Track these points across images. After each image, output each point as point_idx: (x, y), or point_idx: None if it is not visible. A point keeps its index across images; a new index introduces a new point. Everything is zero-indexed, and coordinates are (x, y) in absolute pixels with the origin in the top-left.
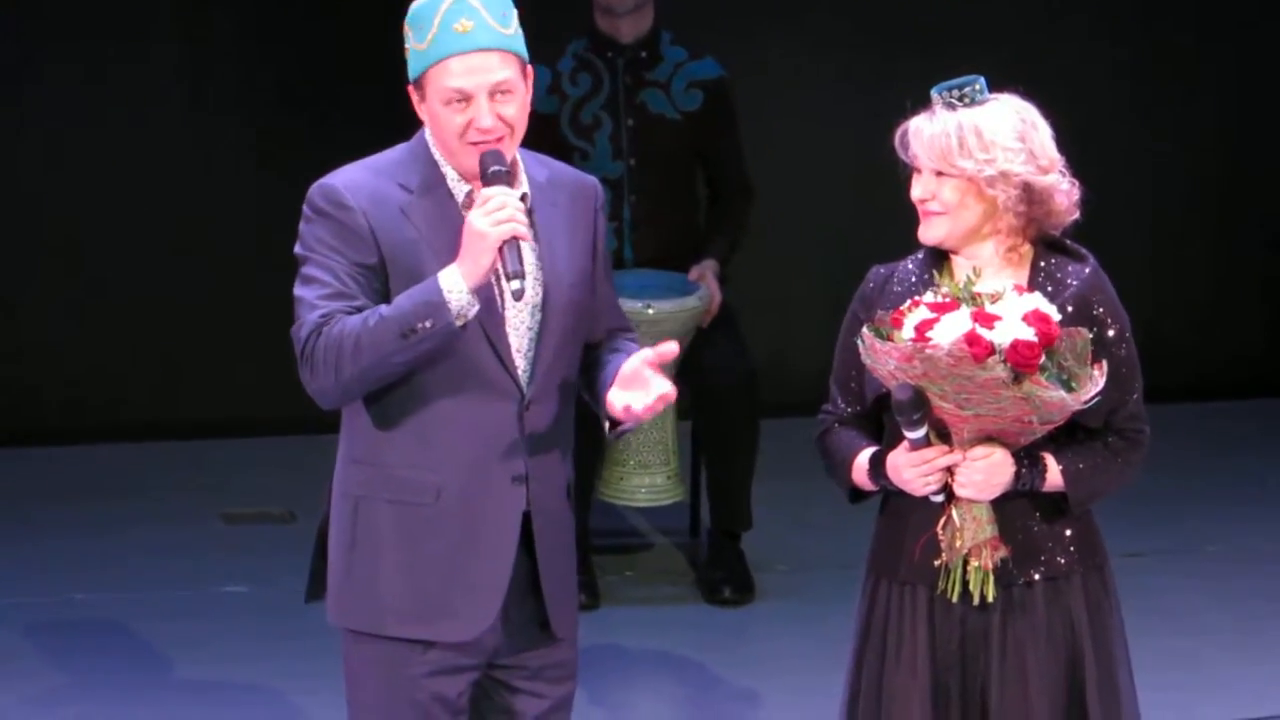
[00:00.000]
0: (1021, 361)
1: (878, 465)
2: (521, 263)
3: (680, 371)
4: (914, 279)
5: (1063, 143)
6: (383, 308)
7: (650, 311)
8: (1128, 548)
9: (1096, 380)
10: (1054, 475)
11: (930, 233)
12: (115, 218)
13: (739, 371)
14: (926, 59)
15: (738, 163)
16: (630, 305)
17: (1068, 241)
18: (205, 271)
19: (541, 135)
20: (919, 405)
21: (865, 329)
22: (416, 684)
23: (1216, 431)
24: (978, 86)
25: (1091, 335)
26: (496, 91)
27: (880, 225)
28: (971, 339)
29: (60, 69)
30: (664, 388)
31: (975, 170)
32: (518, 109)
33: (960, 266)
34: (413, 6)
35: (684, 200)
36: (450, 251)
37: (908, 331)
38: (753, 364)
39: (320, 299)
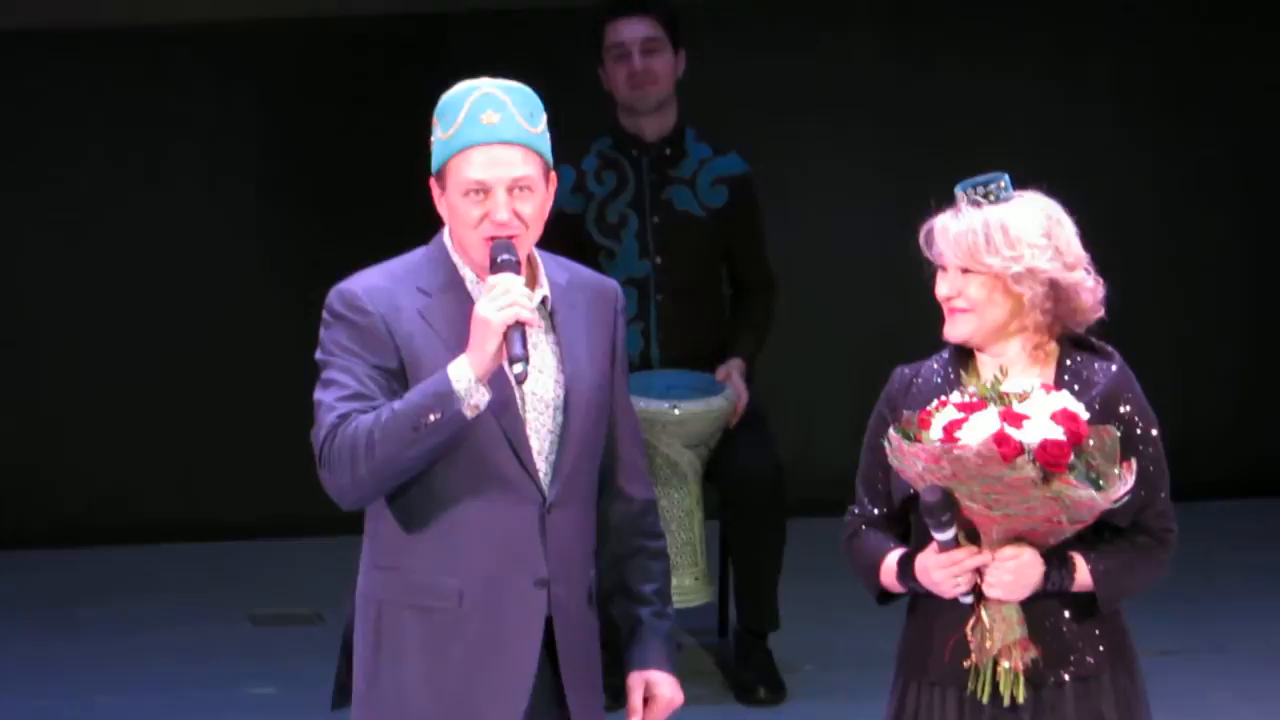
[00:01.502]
0: (1051, 461)
1: (906, 567)
2: (525, 347)
3: (708, 471)
4: (939, 378)
5: (1087, 239)
6: (395, 403)
7: (677, 412)
8: (1157, 646)
9: (1126, 479)
10: (1083, 575)
11: (956, 330)
12: (138, 319)
13: (766, 471)
14: (952, 155)
15: (762, 258)
16: (657, 406)
17: (1093, 339)
18: (232, 372)
19: (567, 234)
20: (947, 507)
21: (892, 430)
22: None
23: (1245, 529)
24: (1002, 184)
25: (1121, 433)
26: (515, 187)
27: (907, 323)
28: (1000, 439)
29: (75, 163)
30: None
31: (1002, 267)
32: (535, 208)
33: (986, 365)
34: (442, 98)
35: (711, 297)
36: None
37: (935, 432)
38: (780, 463)
39: (338, 400)
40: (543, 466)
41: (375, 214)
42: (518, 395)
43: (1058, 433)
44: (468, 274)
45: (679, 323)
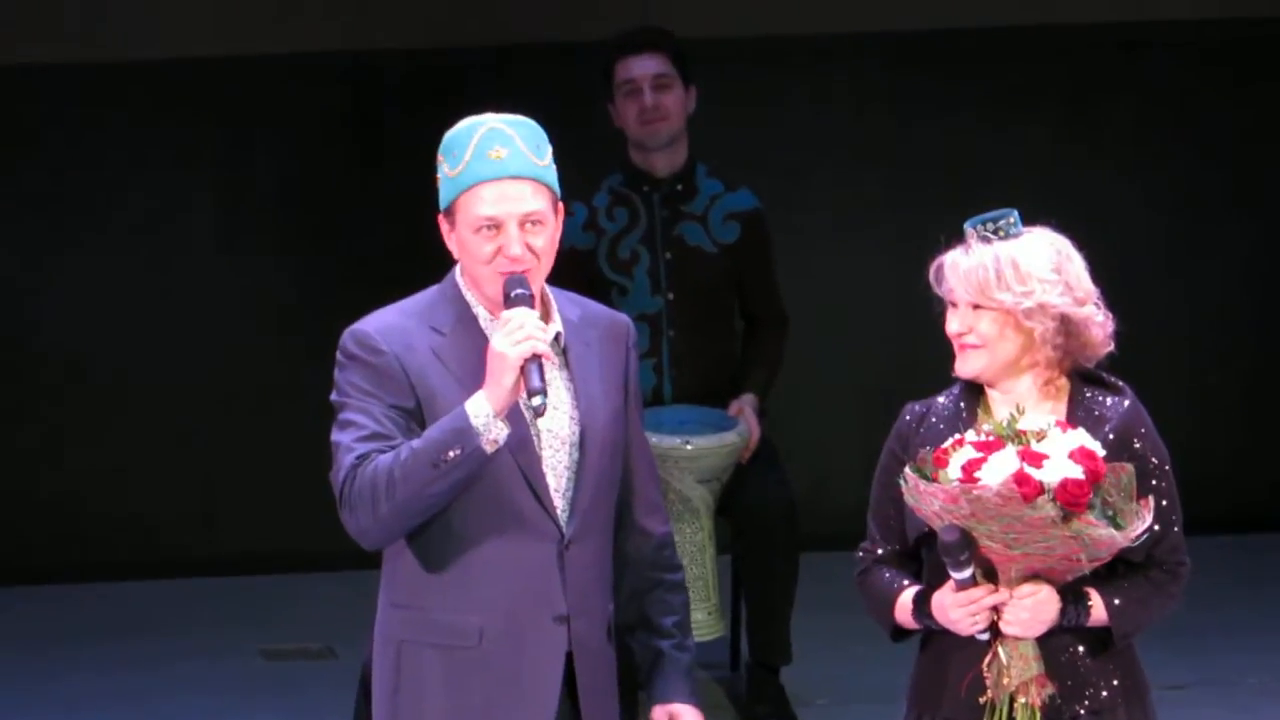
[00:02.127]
0: (1071, 500)
1: (922, 604)
2: (543, 380)
3: (721, 507)
4: (951, 415)
5: (1096, 274)
6: (413, 441)
7: (689, 447)
8: (1169, 680)
9: (1144, 516)
10: (1098, 610)
11: (968, 366)
12: (154, 354)
13: (779, 505)
14: (965, 190)
15: (774, 294)
16: (670, 442)
17: (1104, 374)
18: (243, 406)
19: (579, 271)
20: (966, 546)
21: (908, 469)
22: None
23: (1256, 563)
24: (1011, 220)
25: (1134, 469)
26: (527, 221)
27: (918, 359)
28: (1021, 479)
29: (101, 218)
30: None
31: (1013, 303)
32: (547, 241)
33: (997, 401)
34: (447, 135)
35: (723, 333)
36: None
37: (954, 471)
38: (793, 497)
39: (356, 441)
40: (560, 503)
41: (399, 250)
42: (533, 432)
43: (1077, 471)
44: (480, 311)
45: (691, 358)
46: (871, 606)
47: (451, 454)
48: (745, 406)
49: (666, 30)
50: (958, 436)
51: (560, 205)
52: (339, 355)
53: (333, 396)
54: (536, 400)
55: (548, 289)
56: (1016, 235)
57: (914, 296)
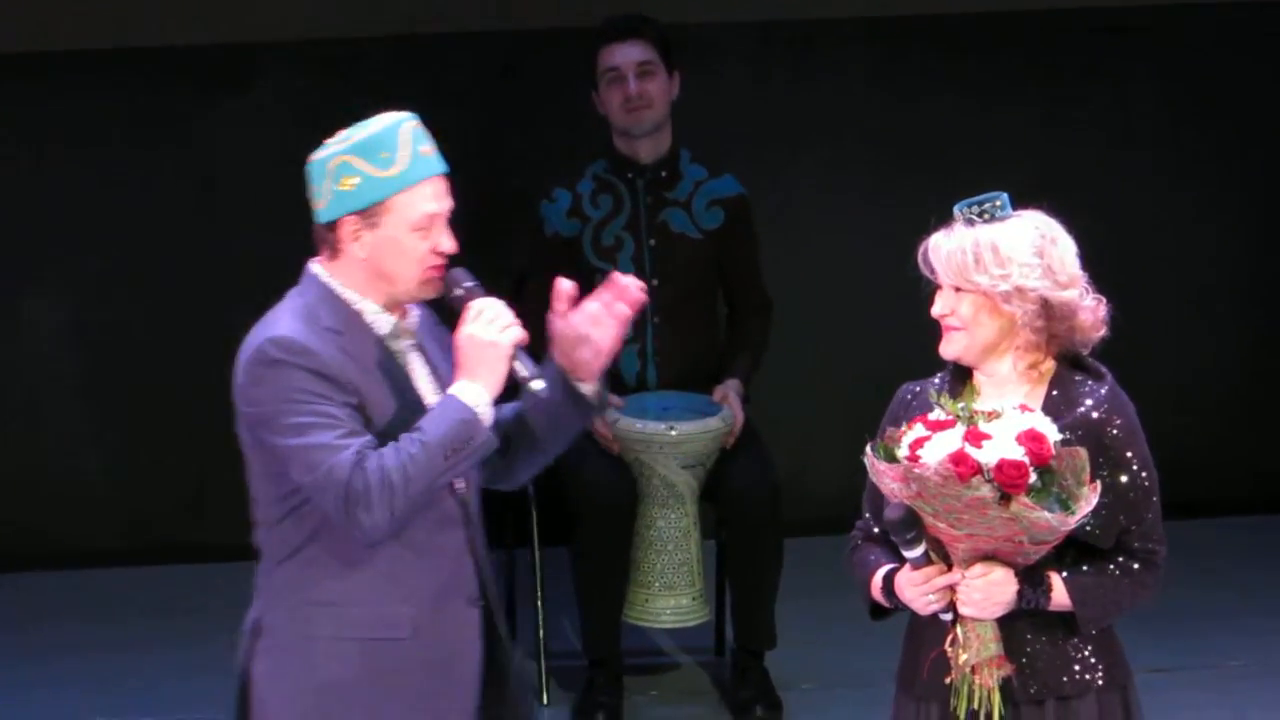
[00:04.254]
0: (1008, 482)
1: (890, 584)
2: (532, 362)
3: (705, 492)
4: (933, 396)
5: (1087, 257)
6: (414, 436)
7: (674, 433)
8: (1151, 664)
9: (1090, 499)
10: (1060, 595)
11: (949, 348)
12: (149, 341)
13: (763, 490)
14: (949, 176)
15: (757, 279)
16: (654, 427)
17: (1088, 359)
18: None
19: (564, 257)
20: (911, 525)
21: (869, 448)
22: None
23: (1241, 546)
24: (999, 203)
25: (1105, 455)
26: (448, 218)
27: (902, 344)
28: (958, 458)
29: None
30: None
31: (990, 285)
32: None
33: (983, 383)
34: (363, 136)
35: (706, 319)
36: (385, 383)
37: (903, 449)
38: (776, 482)
39: (339, 439)
40: (460, 485)
41: None
42: None
43: (1018, 453)
44: (366, 305)
45: (675, 344)
46: (857, 584)
47: (465, 445)
48: (729, 392)
49: (650, 17)
50: (916, 416)
51: None
52: (260, 368)
53: (269, 407)
54: (539, 384)
55: None
56: (1003, 218)
57: (900, 281)
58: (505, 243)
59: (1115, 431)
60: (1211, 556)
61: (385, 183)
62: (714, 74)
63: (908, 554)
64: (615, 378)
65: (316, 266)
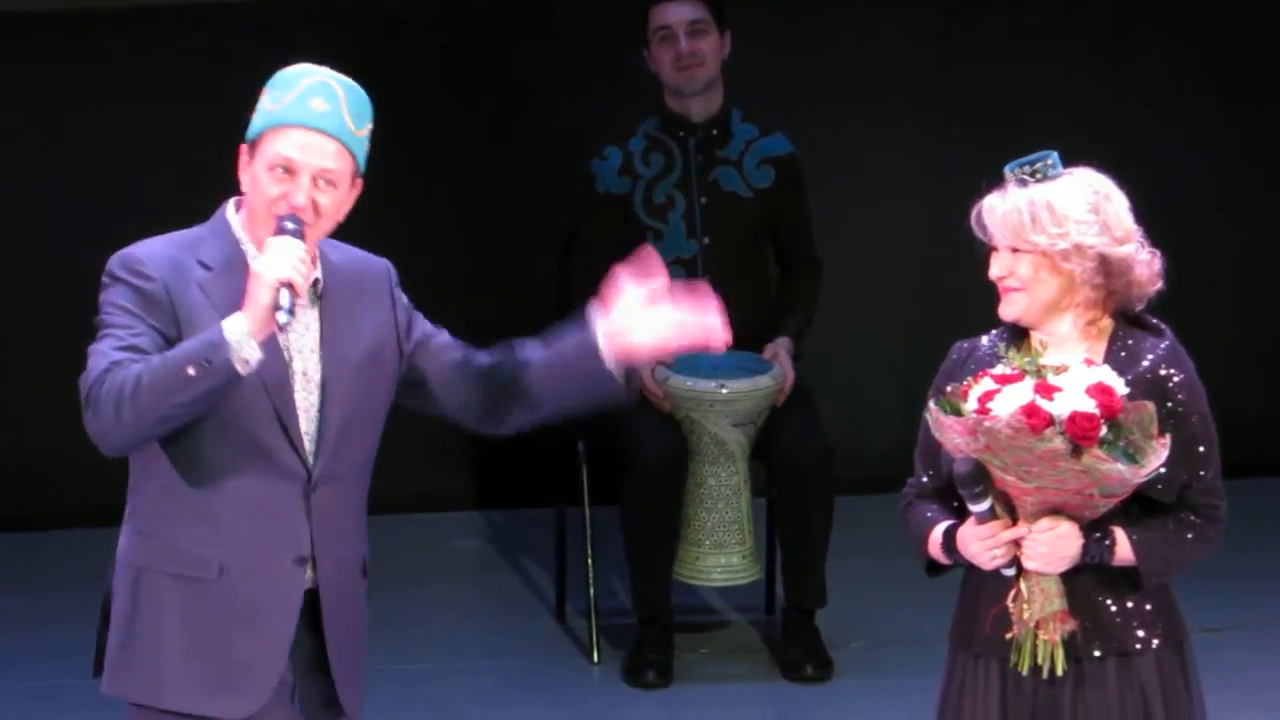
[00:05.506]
0: (1080, 434)
1: (950, 540)
2: (293, 302)
3: (756, 450)
4: (991, 355)
5: (1138, 215)
6: (167, 352)
7: (725, 391)
8: (1206, 623)
9: (1159, 453)
10: (1124, 549)
11: (1009, 310)
12: None
13: (814, 449)
14: (1000, 136)
15: (808, 239)
16: (705, 385)
17: (1146, 316)
18: None
19: (615, 215)
20: (980, 479)
21: (932, 403)
22: None
23: None
24: (1050, 162)
25: (1166, 410)
26: (321, 178)
27: (954, 304)
28: (1030, 410)
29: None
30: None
31: (1049, 245)
32: (333, 203)
33: (1041, 343)
34: (280, 72)
35: (758, 278)
36: None
37: (971, 403)
38: (828, 441)
39: (113, 349)
40: (309, 445)
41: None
42: (290, 375)
43: (1089, 405)
44: (249, 249)
45: (726, 302)
46: (911, 540)
47: (202, 364)
48: (780, 350)
49: None
50: (983, 370)
51: (359, 181)
52: (105, 277)
53: (97, 318)
54: (282, 316)
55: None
56: (1054, 177)
57: (951, 240)
58: (556, 202)
59: (1176, 386)
60: (1260, 515)
61: (266, 115)
62: (767, 32)
63: (974, 508)
64: None
65: (231, 201)
